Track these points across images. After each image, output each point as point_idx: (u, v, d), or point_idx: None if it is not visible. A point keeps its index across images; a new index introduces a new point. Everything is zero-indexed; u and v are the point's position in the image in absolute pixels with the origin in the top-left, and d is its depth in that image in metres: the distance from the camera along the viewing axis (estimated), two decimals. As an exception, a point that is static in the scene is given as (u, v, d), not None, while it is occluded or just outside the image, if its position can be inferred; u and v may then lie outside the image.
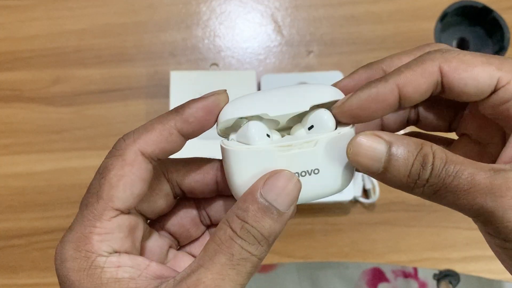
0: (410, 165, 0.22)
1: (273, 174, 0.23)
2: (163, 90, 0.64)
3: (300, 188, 0.24)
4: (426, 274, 0.60)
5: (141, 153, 0.24)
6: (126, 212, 0.24)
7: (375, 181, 0.60)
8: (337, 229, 0.61)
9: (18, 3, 0.69)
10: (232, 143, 0.25)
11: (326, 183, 0.25)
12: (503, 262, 0.24)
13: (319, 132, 0.25)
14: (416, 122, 0.29)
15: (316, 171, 0.24)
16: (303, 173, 0.24)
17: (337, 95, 0.26)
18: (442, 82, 0.23)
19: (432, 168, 0.22)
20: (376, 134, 0.23)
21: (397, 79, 0.24)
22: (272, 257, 0.60)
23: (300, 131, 0.26)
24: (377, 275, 0.60)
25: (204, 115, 0.25)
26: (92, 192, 0.24)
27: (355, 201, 0.61)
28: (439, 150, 0.22)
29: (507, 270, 0.24)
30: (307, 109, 0.25)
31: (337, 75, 0.63)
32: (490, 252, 0.24)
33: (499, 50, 0.65)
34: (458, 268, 0.59)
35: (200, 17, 0.69)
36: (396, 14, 0.68)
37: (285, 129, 0.27)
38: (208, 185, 0.28)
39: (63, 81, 0.66)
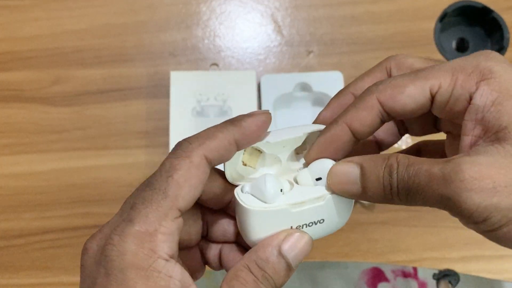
0: (381, 177, 0.24)
1: (294, 234, 0.26)
2: (163, 90, 0.64)
3: (311, 245, 0.26)
4: (426, 274, 0.60)
5: (205, 158, 0.25)
6: (182, 213, 0.25)
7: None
8: (337, 229, 0.61)
9: (18, 3, 0.69)
10: (248, 199, 0.27)
11: (330, 228, 0.28)
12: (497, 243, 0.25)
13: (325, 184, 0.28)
14: (407, 130, 0.31)
15: (321, 221, 0.27)
16: (311, 224, 0.27)
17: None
18: (384, 110, 0.26)
19: (397, 174, 0.24)
20: (347, 160, 0.26)
21: (344, 118, 0.27)
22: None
23: (305, 175, 0.28)
24: (377, 275, 0.60)
25: (257, 130, 0.27)
26: (158, 188, 0.24)
27: (355, 201, 0.61)
28: (402, 157, 0.24)
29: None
30: (301, 134, 0.28)
31: (337, 75, 0.63)
32: (490, 252, 0.24)
33: (499, 50, 0.65)
34: (457, 267, 0.59)
35: (200, 17, 0.69)
36: (396, 14, 0.68)
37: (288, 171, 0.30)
38: (220, 198, 0.29)
39: (63, 81, 0.66)
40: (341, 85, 0.62)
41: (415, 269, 0.60)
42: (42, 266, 0.59)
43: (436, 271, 0.59)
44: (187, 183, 0.24)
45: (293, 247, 0.25)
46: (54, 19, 0.68)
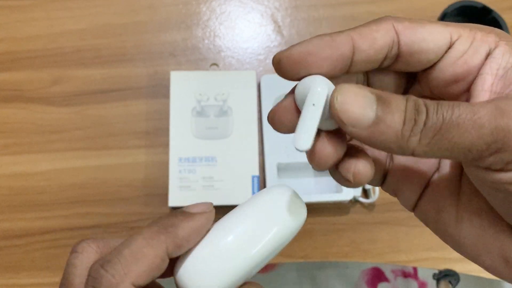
0: (403, 111, 0.20)
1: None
2: (163, 90, 0.64)
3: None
4: (426, 274, 0.60)
5: (135, 286, 0.22)
6: None
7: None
8: (337, 229, 0.61)
9: (18, 3, 0.69)
10: None
11: None
12: (506, 208, 0.22)
13: None
14: None
15: None
16: None
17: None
18: (398, 41, 0.23)
19: (427, 109, 0.20)
20: (358, 86, 0.21)
21: (351, 31, 0.22)
22: (272, 257, 0.60)
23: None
24: (377, 274, 0.60)
25: (194, 237, 0.23)
26: None
27: (354, 201, 0.61)
28: (421, 99, 0.21)
29: (506, 218, 0.22)
30: None
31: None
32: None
33: (499, 50, 0.65)
34: (457, 267, 0.59)
35: (200, 17, 0.69)
36: (396, 14, 0.68)
37: None
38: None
39: (63, 81, 0.66)
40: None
41: (415, 269, 0.60)
42: (42, 266, 0.59)
43: (436, 271, 0.59)
44: None
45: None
46: (54, 19, 0.68)
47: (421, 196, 0.26)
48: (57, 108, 0.64)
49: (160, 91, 0.65)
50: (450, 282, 0.59)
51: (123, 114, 0.64)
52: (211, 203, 0.24)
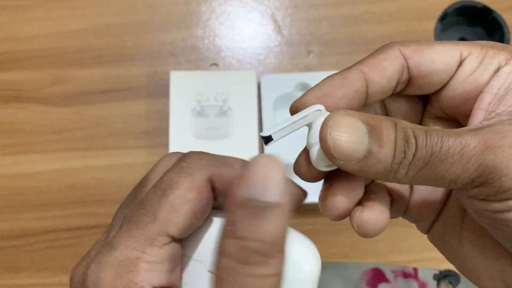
0: (393, 142, 0.20)
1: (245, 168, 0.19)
2: (163, 90, 0.64)
3: (282, 166, 0.19)
4: (426, 274, 0.60)
5: (211, 182, 0.20)
6: (178, 240, 0.20)
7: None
8: (337, 229, 0.61)
9: (18, 3, 0.69)
10: None
11: None
12: (498, 234, 0.21)
13: None
14: None
15: None
16: None
17: None
18: (408, 66, 0.23)
19: (416, 141, 0.19)
20: (349, 114, 0.20)
21: (360, 65, 0.23)
22: (272, 257, 0.60)
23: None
24: (377, 275, 0.60)
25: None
26: (148, 209, 0.20)
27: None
28: (410, 123, 0.20)
29: (503, 243, 0.22)
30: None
31: (337, 75, 0.63)
32: (490, 252, 0.24)
33: (499, 50, 0.65)
34: (458, 268, 0.59)
35: (200, 17, 0.69)
36: (396, 14, 0.68)
37: None
38: None
39: (63, 81, 0.65)
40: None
41: (415, 269, 0.60)
42: (42, 266, 0.59)
43: (437, 272, 0.59)
44: (184, 208, 0.20)
45: (250, 180, 0.18)
46: (54, 19, 0.68)
47: (435, 220, 0.26)
48: (57, 108, 0.64)
49: (160, 91, 0.65)
50: (450, 282, 0.59)
51: (123, 114, 0.64)
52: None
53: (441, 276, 0.59)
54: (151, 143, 0.63)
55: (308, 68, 0.66)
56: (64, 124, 0.64)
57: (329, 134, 0.19)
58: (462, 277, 0.58)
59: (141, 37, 0.67)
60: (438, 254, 0.62)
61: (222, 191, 0.21)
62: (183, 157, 0.21)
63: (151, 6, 0.69)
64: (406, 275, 0.60)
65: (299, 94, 0.63)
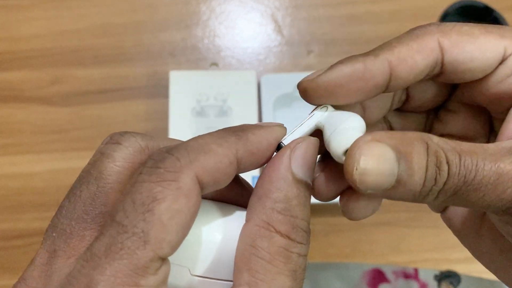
0: (424, 170, 0.18)
1: (295, 145, 0.19)
2: (163, 90, 0.64)
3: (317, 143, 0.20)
4: (427, 275, 0.60)
5: (198, 181, 0.17)
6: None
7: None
8: (337, 230, 0.60)
9: (17, 3, 0.68)
10: None
11: None
12: None
13: None
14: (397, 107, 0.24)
15: None
16: None
17: None
18: (442, 60, 0.20)
19: (449, 168, 0.18)
20: (377, 139, 0.18)
21: (389, 55, 0.20)
22: (272, 258, 0.59)
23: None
24: (378, 276, 0.60)
25: (267, 147, 0.19)
26: (131, 230, 0.16)
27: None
28: (442, 142, 0.18)
29: None
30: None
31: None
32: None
33: (500, 50, 0.65)
34: (459, 268, 0.58)
35: (199, 17, 0.69)
36: (397, 14, 0.68)
37: None
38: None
39: (62, 81, 0.65)
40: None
41: (416, 270, 0.59)
42: (41, 267, 0.59)
43: (438, 272, 0.59)
44: (174, 221, 0.16)
45: (301, 158, 0.19)
46: (53, 19, 0.68)
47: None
48: (56, 108, 0.64)
49: (159, 91, 0.64)
50: (451, 283, 0.58)
51: (122, 114, 0.64)
52: (282, 124, 0.21)
53: (442, 277, 0.59)
54: (151, 143, 0.63)
55: (308, 68, 0.66)
56: (63, 124, 0.64)
57: (356, 169, 0.18)
58: (463, 278, 0.58)
59: (140, 37, 0.67)
60: (439, 255, 0.62)
61: (210, 183, 0.18)
62: (157, 160, 0.17)
63: (150, 6, 0.69)
64: (406, 276, 0.59)
65: (299, 94, 0.63)
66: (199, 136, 0.19)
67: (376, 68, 0.19)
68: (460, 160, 0.18)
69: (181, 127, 0.60)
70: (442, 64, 0.20)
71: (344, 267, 0.61)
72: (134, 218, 0.16)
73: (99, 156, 0.20)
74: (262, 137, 0.19)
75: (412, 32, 0.20)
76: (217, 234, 0.20)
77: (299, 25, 0.68)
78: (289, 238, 0.18)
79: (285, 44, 0.67)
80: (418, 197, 0.18)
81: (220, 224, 0.20)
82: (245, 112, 0.61)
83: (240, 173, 0.20)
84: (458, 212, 0.24)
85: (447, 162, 0.18)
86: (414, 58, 0.20)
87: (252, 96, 0.62)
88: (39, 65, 0.66)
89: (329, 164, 0.21)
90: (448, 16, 0.67)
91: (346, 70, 0.20)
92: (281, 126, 0.20)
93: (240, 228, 0.19)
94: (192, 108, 0.61)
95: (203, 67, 0.66)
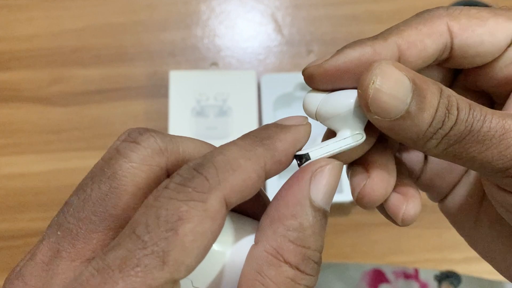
0: (434, 108, 0.18)
1: (318, 167, 0.18)
2: (163, 90, 0.64)
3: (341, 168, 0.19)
4: (427, 275, 0.59)
5: (226, 202, 0.17)
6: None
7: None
8: (337, 230, 0.60)
9: (16, 3, 0.68)
10: None
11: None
12: None
13: None
14: None
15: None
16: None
17: None
18: (452, 44, 0.20)
19: (458, 113, 0.18)
20: (397, 66, 0.18)
21: (398, 38, 0.19)
22: (272, 258, 0.59)
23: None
24: (378, 276, 0.60)
25: (293, 151, 0.19)
26: (151, 248, 0.15)
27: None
28: (455, 93, 0.18)
29: None
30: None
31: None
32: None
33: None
34: (459, 269, 0.58)
35: (199, 16, 0.69)
36: (397, 14, 0.68)
37: None
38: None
39: (62, 81, 0.65)
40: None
41: (416, 270, 0.59)
42: (40, 267, 0.59)
43: (438, 272, 0.59)
44: (196, 244, 0.16)
45: (321, 186, 0.18)
46: (52, 19, 0.68)
47: (449, 193, 0.25)
48: (56, 108, 0.64)
49: (159, 91, 0.64)
50: (451, 283, 0.58)
51: (122, 114, 0.64)
52: (306, 117, 0.20)
53: (442, 277, 0.58)
54: (151, 143, 0.63)
55: (308, 68, 0.66)
56: (63, 124, 0.63)
57: (373, 83, 0.17)
58: (463, 278, 0.58)
59: (140, 37, 0.67)
60: (439, 255, 0.62)
61: (238, 201, 0.17)
62: (187, 178, 0.16)
63: (150, 6, 0.69)
64: (407, 276, 0.59)
65: (299, 94, 0.63)
66: (227, 148, 0.18)
67: (385, 52, 0.19)
68: (470, 109, 0.18)
69: (181, 127, 0.60)
70: (452, 48, 0.20)
71: (344, 267, 0.61)
72: (156, 235, 0.15)
73: (115, 154, 0.18)
74: (289, 143, 0.19)
75: (421, 16, 0.20)
76: (225, 249, 0.19)
77: (299, 25, 0.68)
78: (298, 269, 0.17)
79: (285, 44, 0.67)
80: (422, 139, 0.18)
81: (230, 239, 0.19)
82: (245, 112, 0.61)
83: (268, 178, 0.19)
84: (456, 199, 0.24)
85: (457, 108, 0.18)
86: (423, 42, 0.19)
87: (252, 96, 0.62)
88: (39, 65, 0.66)
89: (367, 168, 0.21)
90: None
91: (354, 54, 0.19)
92: (306, 124, 0.20)
93: (249, 247, 0.18)
94: (192, 108, 0.61)
95: (203, 67, 0.66)
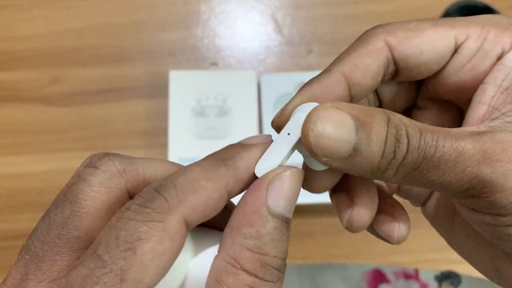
0: (383, 140, 0.18)
1: (274, 175, 0.18)
2: (162, 90, 0.64)
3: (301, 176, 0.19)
4: (428, 275, 0.59)
5: (185, 223, 0.17)
6: None
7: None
8: (337, 230, 0.60)
9: (16, 3, 0.68)
10: None
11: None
12: (489, 238, 0.20)
13: None
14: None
15: None
16: None
17: None
18: (393, 58, 0.20)
19: (409, 141, 0.18)
20: (337, 107, 0.18)
21: (340, 66, 0.20)
22: (272, 258, 0.59)
23: None
24: (378, 276, 0.60)
25: (252, 170, 0.19)
26: (110, 267, 0.16)
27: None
28: (405, 118, 0.18)
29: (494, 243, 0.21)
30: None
31: (338, 75, 0.62)
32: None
33: (501, 49, 0.65)
34: (459, 269, 0.58)
35: (199, 16, 0.68)
36: (397, 14, 0.68)
37: None
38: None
39: (62, 81, 0.65)
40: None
41: (416, 270, 0.59)
42: (40, 267, 0.59)
43: (438, 273, 0.59)
44: (155, 263, 0.16)
45: (279, 192, 0.18)
46: (52, 18, 0.68)
47: (428, 198, 0.26)
48: (56, 108, 0.64)
49: (159, 90, 0.64)
50: (452, 283, 0.58)
51: (122, 114, 0.64)
52: (270, 135, 0.21)
53: (443, 277, 0.58)
54: (151, 143, 0.63)
55: (308, 68, 0.66)
56: (63, 124, 0.63)
57: (311, 131, 0.18)
58: (464, 278, 0.58)
59: (140, 37, 0.67)
60: (439, 255, 0.62)
61: (198, 220, 0.18)
62: (147, 199, 0.17)
63: (150, 6, 0.68)
64: (407, 276, 0.59)
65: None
66: (189, 169, 0.18)
67: (331, 83, 0.20)
68: (420, 135, 0.18)
69: (181, 127, 0.60)
70: (395, 61, 0.21)
71: (344, 267, 0.61)
72: (115, 255, 0.16)
73: (77, 180, 0.20)
74: (251, 161, 0.19)
75: (359, 39, 0.21)
76: (188, 262, 0.19)
77: (299, 25, 0.68)
78: (256, 276, 0.17)
79: (285, 43, 0.67)
80: (377, 171, 0.18)
81: (194, 252, 0.19)
82: (245, 112, 0.61)
83: (230, 198, 0.19)
84: (433, 205, 0.25)
85: (407, 136, 0.18)
86: (364, 62, 0.20)
87: (252, 96, 0.61)
88: (39, 64, 0.66)
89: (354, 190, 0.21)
90: (448, 16, 0.67)
91: (307, 94, 0.20)
92: (269, 143, 0.20)
93: (212, 259, 0.18)
94: (192, 108, 0.61)
95: (203, 67, 0.66)
